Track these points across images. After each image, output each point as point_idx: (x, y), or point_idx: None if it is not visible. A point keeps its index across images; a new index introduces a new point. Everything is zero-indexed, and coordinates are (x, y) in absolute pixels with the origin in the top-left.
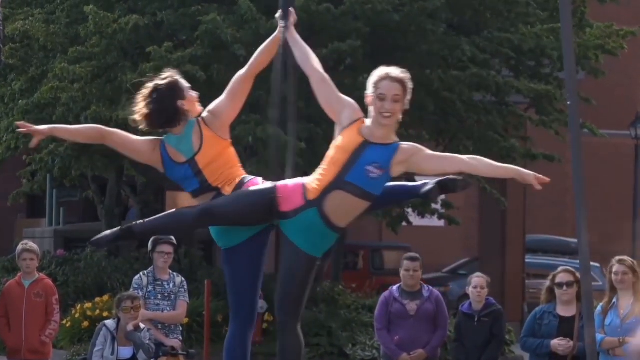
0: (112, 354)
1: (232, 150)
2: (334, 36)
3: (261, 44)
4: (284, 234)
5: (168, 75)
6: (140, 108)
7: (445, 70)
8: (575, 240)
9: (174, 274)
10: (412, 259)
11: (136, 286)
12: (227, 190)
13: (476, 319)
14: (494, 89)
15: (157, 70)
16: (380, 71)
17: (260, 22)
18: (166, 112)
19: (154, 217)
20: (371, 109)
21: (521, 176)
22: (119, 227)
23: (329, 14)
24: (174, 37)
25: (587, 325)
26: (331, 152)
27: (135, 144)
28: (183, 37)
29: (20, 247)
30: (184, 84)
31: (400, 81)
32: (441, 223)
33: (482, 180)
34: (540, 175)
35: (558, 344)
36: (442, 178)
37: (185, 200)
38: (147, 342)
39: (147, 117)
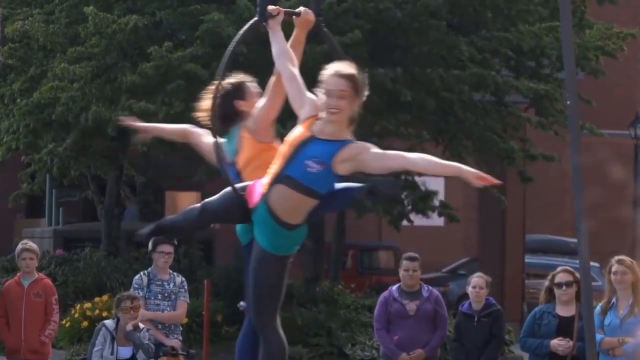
0: (112, 354)
1: (274, 153)
2: (335, 33)
3: (260, 42)
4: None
5: (239, 77)
6: (204, 103)
7: (445, 70)
8: (575, 240)
9: (174, 273)
10: (412, 259)
11: (136, 286)
12: None
13: (476, 319)
14: (493, 87)
15: (157, 70)
16: (330, 68)
17: None
18: (223, 108)
19: (177, 213)
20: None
21: (462, 174)
22: (154, 223)
23: (331, 10)
24: (173, 37)
25: (586, 325)
26: (281, 147)
27: (205, 145)
28: (182, 36)
29: (19, 246)
30: (252, 88)
31: (347, 77)
32: (441, 223)
33: None
34: (484, 175)
35: (557, 343)
36: (370, 183)
37: (184, 200)
38: (147, 342)
39: (208, 111)
